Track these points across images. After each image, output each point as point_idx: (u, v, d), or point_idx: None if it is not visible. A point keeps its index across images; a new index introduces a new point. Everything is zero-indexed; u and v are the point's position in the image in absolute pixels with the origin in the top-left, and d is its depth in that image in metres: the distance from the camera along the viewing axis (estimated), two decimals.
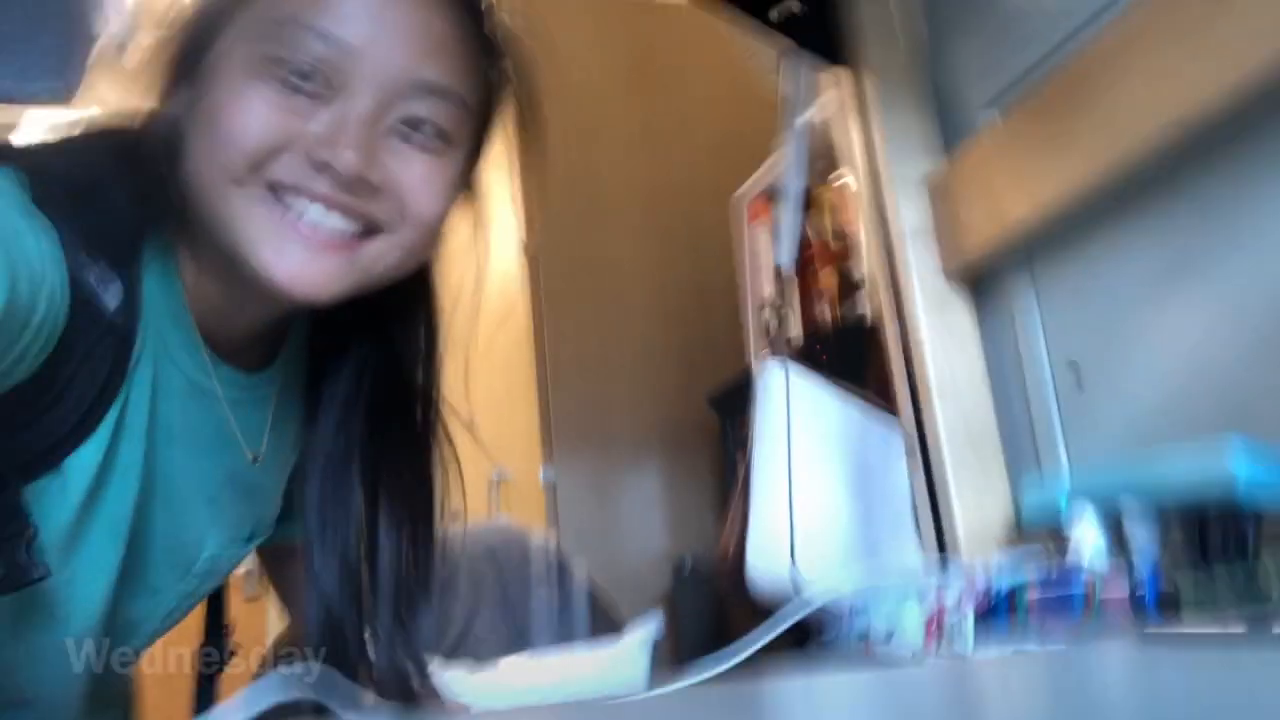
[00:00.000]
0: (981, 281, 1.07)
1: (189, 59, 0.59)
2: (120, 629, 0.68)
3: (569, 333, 2.20)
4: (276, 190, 0.56)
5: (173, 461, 0.64)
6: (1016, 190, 0.94)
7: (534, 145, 0.69)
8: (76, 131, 0.61)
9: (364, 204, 0.57)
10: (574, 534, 2.10)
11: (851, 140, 1.16)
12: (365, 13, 0.56)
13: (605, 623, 1.41)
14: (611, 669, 1.02)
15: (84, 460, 0.57)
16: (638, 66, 2.40)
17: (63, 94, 0.58)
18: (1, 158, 0.55)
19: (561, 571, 1.52)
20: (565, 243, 2.24)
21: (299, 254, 0.56)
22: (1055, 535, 0.89)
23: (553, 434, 2.15)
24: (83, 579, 0.61)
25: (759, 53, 1.50)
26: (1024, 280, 1.01)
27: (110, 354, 0.57)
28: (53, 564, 0.57)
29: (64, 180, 0.56)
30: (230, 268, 0.58)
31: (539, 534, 1.62)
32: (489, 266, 0.71)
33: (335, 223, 0.57)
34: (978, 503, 1.00)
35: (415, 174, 0.58)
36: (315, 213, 0.56)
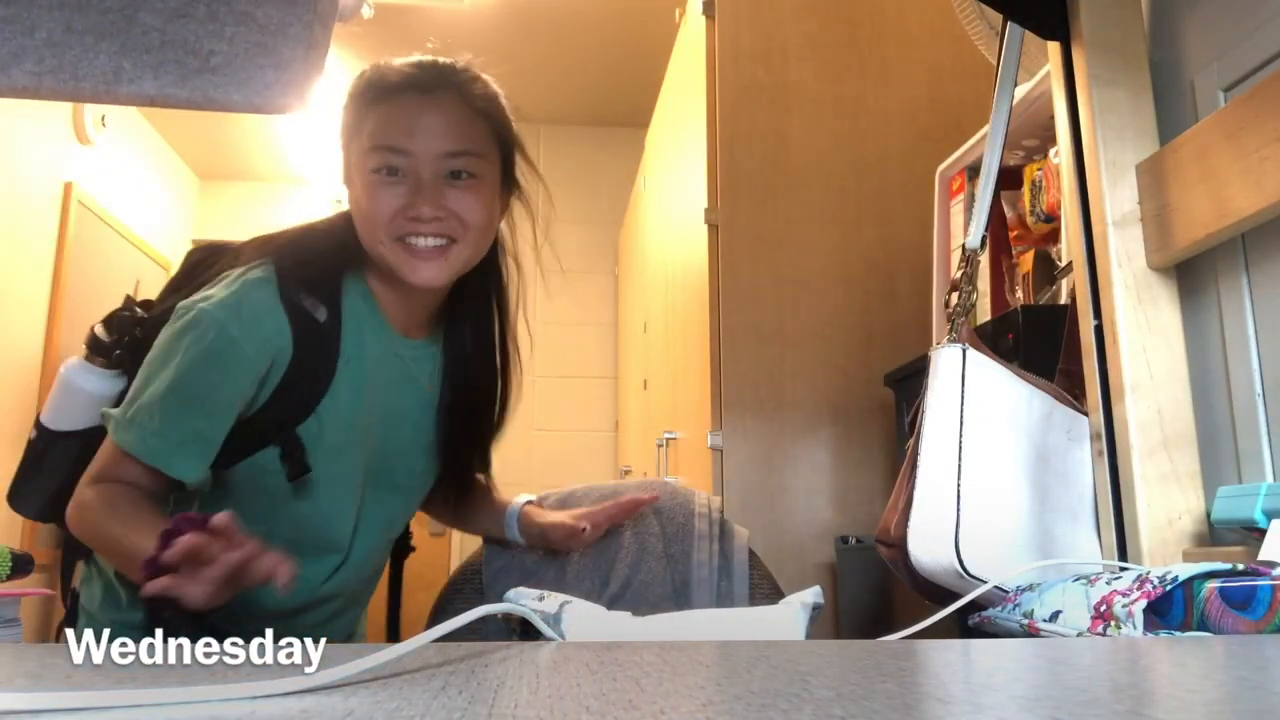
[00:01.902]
0: (1189, 275, 1.01)
1: (345, 173, 1.04)
2: (386, 520, 1.13)
3: (745, 301, 2.21)
4: (400, 238, 0.99)
5: (383, 400, 1.06)
6: (1244, 180, 0.88)
7: (514, 175, 1.10)
8: (308, 227, 1.08)
9: (442, 228, 0.99)
10: (740, 499, 2.13)
11: (1060, 118, 1.11)
12: (412, 127, 0.99)
13: (764, 586, 1.44)
14: (769, 630, 1.05)
15: (327, 406, 1.00)
16: (835, 31, 2.36)
17: (298, 107, 0.64)
18: (266, 254, 1.01)
19: (723, 534, 1.56)
20: (747, 212, 2.25)
21: (421, 267, 1.00)
22: (1247, 537, 0.84)
23: (723, 400, 2.18)
24: (342, 473, 1.04)
25: (974, 21, 1.45)
26: (1238, 276, 0.94)
27: (326, 345, 1.00)
28: (321, 466, 1.00)
29: (297, 263, 1.01)
30: (396, 281, 1.02)
31: (704, 496, 1.66)
32: (541, 229, 1.14)
33: (432, 242, 0.99)
34: (1166, 505, 0.95)
35: (463, 203, 1.00)
36: (421, 240, 0.99)
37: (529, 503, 1.26)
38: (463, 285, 1.09)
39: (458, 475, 1.19)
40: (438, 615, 1.30)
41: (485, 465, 1.22)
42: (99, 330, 1.06)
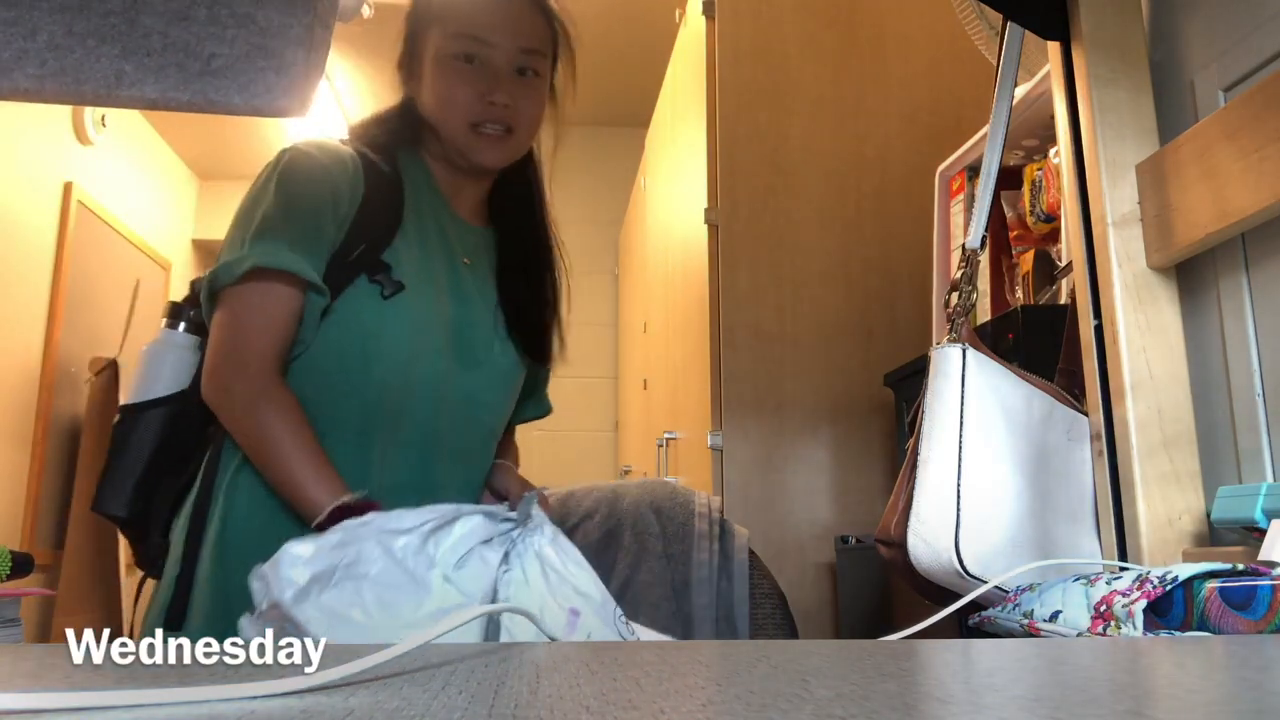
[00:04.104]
0: (1189, 275, 1.01)
1: (409, 64, 1.15)
2: (470, 396, 1.13)
3: (745, 301, 2.21)
4: (474, 124, 1.10)
5: (448, 272, 1.11)
6: (1244, 180, 0.88)
7: (570, 75, 1.19)
8: (375, 115, 1.18)
9: (507, 115, 1.10)
10: (740, 499, 2.13)
11: (1060, 118, 1.11)
12: (495, 20, 1.09)
13: (763, 586, 1.44)
14: None
15: (398, 247, 1.06)
16: (836, 32, 2.36)
17: (299, 109, 0.64)
18: (346, 138, 1.13)
19: (723, 534, 1.56)
20: (747, 212, 2.25)
21: (487, 149, 1.11)
22: (1247, 537, 0.84)
23: (723, 400, 2.18)
24: (425, 316, 1.08)
25: (974, 21, 1.45)
26: (1238, 276, 0.94)
27: (391, 193, 1.09)
28: (408, 298, 1.05)
29: (356, 133, 1.14)
30: (454, 164, 1.14)
31: (704, 496, 1.66)
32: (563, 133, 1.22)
33: (498, 129, 1.10)
34: (1166, 505, 0.95)
35: (525, 96, 1.11)
36: (490, 127, 1.10)
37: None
38: (504, 176, 1.20)
39: (533, 345, 1.21)
40: None
41: (554, 340, 1.26)
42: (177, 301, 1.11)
